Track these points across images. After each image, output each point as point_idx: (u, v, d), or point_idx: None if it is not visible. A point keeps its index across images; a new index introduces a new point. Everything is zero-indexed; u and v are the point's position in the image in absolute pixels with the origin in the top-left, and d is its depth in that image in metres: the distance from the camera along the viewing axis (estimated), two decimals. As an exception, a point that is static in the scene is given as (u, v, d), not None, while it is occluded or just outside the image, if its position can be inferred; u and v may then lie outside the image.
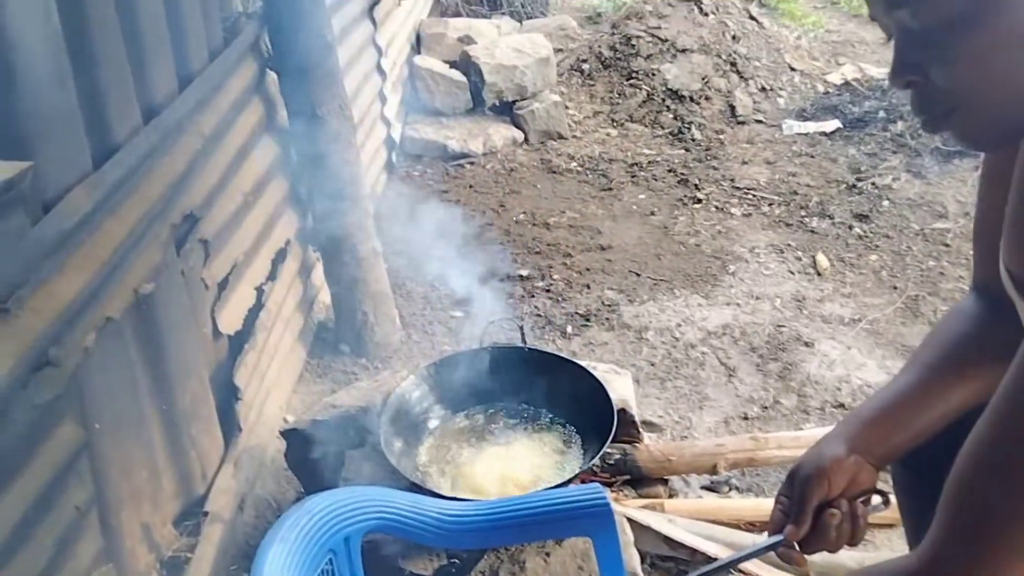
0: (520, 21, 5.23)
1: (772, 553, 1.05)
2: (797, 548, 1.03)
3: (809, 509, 1.01)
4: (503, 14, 5.31)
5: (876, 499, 1.05)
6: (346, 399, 1.99)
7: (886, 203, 3.54)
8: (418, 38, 4.62)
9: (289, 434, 1.96)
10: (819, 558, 1.75)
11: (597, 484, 1.34)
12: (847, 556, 1.74)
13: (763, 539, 1.06)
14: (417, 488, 1.58)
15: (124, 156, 1.53)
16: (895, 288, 3.06)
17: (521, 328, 2.04)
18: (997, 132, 0.77)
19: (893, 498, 1.17)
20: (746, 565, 1.68)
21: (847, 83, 4.46)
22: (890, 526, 1.95)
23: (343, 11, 3.22)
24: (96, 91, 1.48)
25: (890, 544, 1.98)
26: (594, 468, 1.92)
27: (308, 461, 1.89)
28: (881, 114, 4.14)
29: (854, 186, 3.67)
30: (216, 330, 1.99)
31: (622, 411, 1.94)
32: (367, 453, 1.84)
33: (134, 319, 1.58)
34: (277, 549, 1.00)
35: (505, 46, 4.44)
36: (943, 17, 0.71)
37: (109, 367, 1.49)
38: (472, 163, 4.09)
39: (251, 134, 2.29)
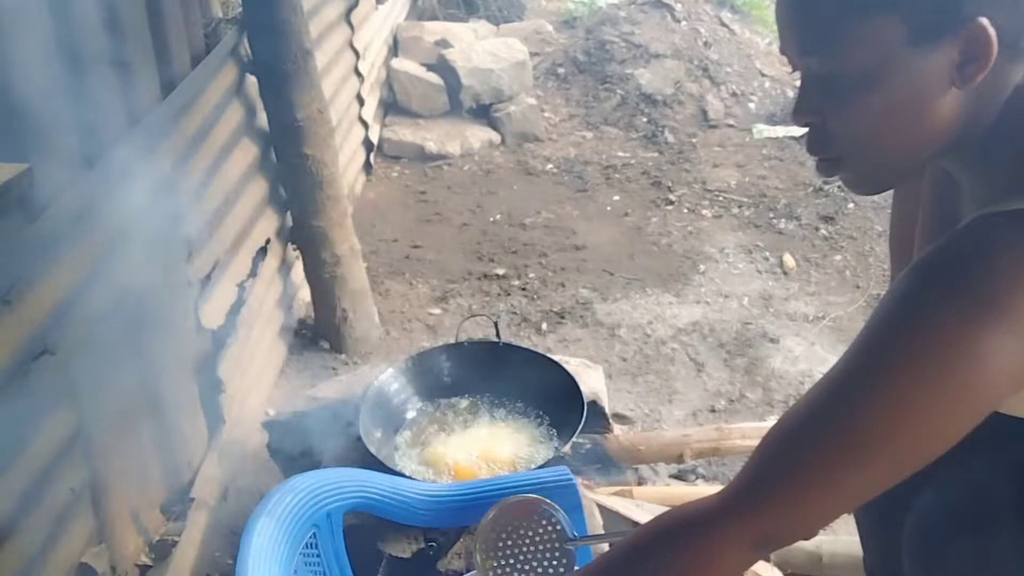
0: (496, 25, 5.32)
1: None
2: None
3: None
4: (479, 18, 5.39)
5: None
6: (327, 392, 2.06)
7: (851, 205, 3.67)
8: (395, 41, 4.69)
9: (271, 425, 2.02)
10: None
11: (564, 467, 1.43)
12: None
13: None
14: (396, 475, 1.65)
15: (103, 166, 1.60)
16: (857, 287, 3.18)
17: (496, 324, 2.12)
18: (879, 181, 0.86)
19: None
20: None
21: (815, 88, 4.60)
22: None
23: (320, 16, 3.29)
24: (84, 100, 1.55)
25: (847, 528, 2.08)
26: (566, 457, 2.00)
27: (290, 451, 1.96)
28: (846, 119, 4.28)
29: (821, 189, 3.79)
30: (199, 325, 2.05)
31: (593, 403, 2.02)
32: (347, 443, 1.91)
33: (123, 313, 1.65)
34: (264, 522, 1.08)
35: (481, 50, 4.53)
36: (847, 72, 0.77)
37: (101, 357, 1.55)
38: (449, 164, 4.18)
39: (231, 136, 2.35)
